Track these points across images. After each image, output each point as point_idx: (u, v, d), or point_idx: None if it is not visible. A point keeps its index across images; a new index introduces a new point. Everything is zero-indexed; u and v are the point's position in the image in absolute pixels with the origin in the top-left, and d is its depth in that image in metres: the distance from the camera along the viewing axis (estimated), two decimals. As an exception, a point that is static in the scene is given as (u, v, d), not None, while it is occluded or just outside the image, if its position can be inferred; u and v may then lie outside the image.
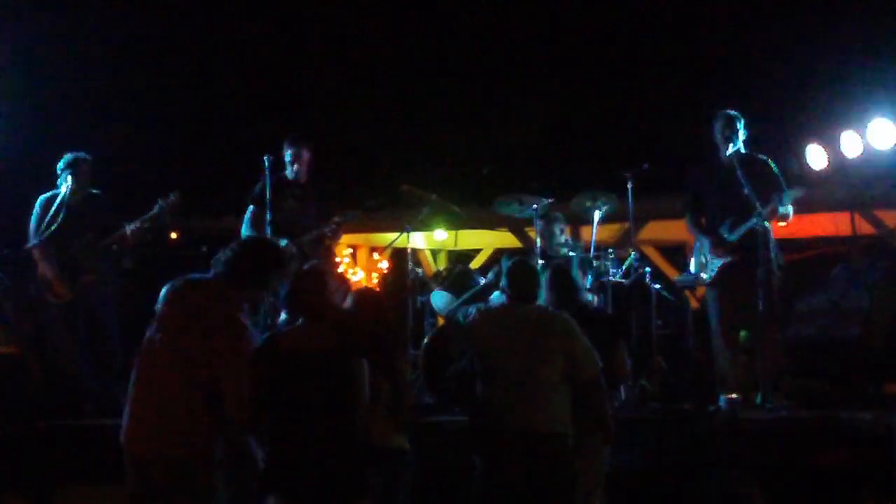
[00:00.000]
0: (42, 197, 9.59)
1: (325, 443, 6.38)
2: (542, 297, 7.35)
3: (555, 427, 6.79)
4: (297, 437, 6.41)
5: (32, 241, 9.49)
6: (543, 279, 7.44)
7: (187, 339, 6.15)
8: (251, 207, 9.87)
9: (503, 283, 7.18)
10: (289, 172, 9.88)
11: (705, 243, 9.20)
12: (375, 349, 6.73)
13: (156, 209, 9.47)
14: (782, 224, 9.02)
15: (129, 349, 7.29)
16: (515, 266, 7.23)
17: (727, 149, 9.09)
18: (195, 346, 6.13)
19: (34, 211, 9.55)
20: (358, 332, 6.70)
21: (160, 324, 6.27)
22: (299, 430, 6.41)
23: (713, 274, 9.11)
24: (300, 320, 6.65)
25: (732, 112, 9.23)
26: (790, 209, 8.88)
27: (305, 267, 7.08)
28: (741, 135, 9.15)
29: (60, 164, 9.60)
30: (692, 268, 9.40)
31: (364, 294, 7.44)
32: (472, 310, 7.21)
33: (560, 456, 6.78)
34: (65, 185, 9.54)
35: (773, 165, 9.17)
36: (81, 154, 9.67)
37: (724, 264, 9.01)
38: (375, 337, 6.83)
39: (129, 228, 9.45)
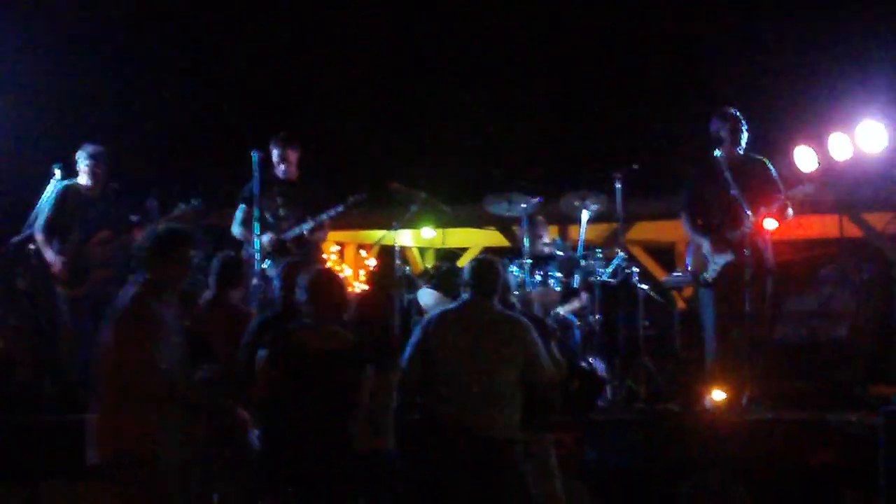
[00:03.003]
0: (56, 187, 9.57)
1: (325, 441, 6.42)
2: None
3: (509, 433, 6.82)
4: (298, 435, 6.44)
5: (38, 232, 9.49)
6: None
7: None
8: (242, 206, 9.87)
9: (465, 275, 7.20)
10: (277, 171, 9.91)
11: (704, 242, 9.15)
12: (384, 352, 6.82)
13: (178, 211, 9.47)
14: (772, 226, 9.02)
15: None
16: (477, 261, 7.32)
17: (723, 148, 9.10)
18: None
19: (44, 200, 9.53)
20: (370, 335, 6.81)
21: None
22: (302, 426, 6.45)
23: (714, 274, 9.08)
24: (309, 320, 6.70)
25: (733, 110, 9.21)
26: (790, 210, 8.90)
27: (322, 269, 7.16)
28: (743, 135, 9.12)
29: (77, 156, 9.61)
30: (689, 266, 9.37)
31: (367, 302, 7.48)
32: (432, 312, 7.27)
33: (513, 462, 6.81)
34: (79, 177, 9.57)
35: (770, 165, 9.17)
36: (98, 147, 9.68)
37: (726, 264, 8.98)
38: (385, 340, 6.94)
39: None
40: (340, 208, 9.79)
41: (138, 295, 6.20)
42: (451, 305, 7.31)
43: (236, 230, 9.93)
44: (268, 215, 9.76)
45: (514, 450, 6.81)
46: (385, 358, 7.08)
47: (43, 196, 9.53)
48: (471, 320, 6.98)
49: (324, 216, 9.74)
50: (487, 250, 13.00)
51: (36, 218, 9.52)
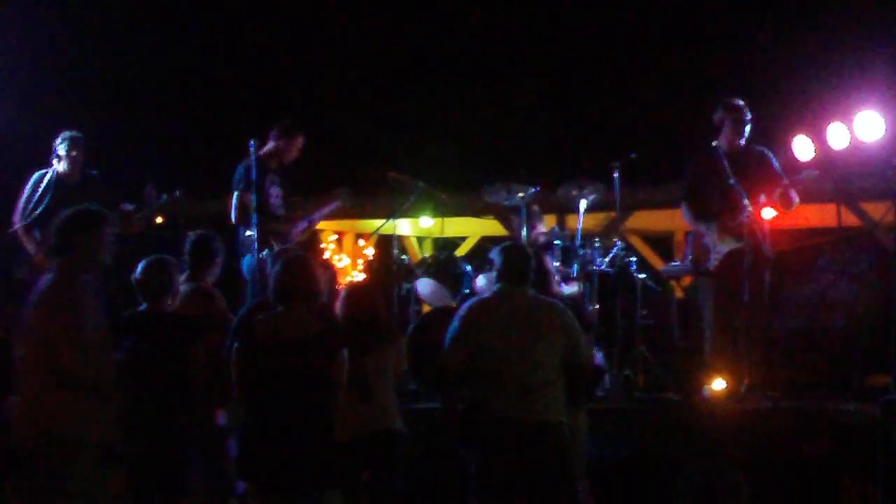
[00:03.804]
0: (35, 175, 9.54)
1: (301, 430, 6.42)
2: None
3: (556, 415, 6.83)
4: (274, 423, 6.45)
5: (19, 221, 9.44)
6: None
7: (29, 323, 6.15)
8: (237, 193, 9.79)
9: (497, 264, 7.12)
10: (281, 158, 9.90)
11: (709, 231, 9.15)
12: (358, 337, 6.82)
13: (159, 202, 9.44)
14: (770, 215, 9.03)
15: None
16: (510, 248, 7.25)
17: (724, 137, 9.11)
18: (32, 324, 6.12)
19: (25, 189, 9.50)
20: (357, 322, 6.81)
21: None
22: (276, 416, 6.45)
23: (716, 263, 9.09)
24: (280, 307, 6.70)
25: (738, 101, 9.22)
26: (796, 197, 8.92)
27: (292, 254, 7.16)
28: (747, 126, 9.13)
29: (55, 142, 9.56)
30: (689, 255, 9.38)
31: (355, 290, 7.45)
32: (467, 302, 7.25)
33: (562, 442, 6.83)
34: (59, 165, 9.52)
35: (771, 156, 9.18)
36: (75, 132, 9.62)
37: (729, 252, 8.99)
38: (372, 326, 6.93)
39: (137, 216, 9.41)
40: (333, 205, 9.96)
41: (57, 276, 6.15)
42: (485, 295, 7.30)
43: (235, 218, 9.85)
44: (265, 203, 9.76)
45: (565, 430, 6.84)
46: (374, 343, 7.07)
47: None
48: (509, 308, 6.94)
49: (325, 210, 9.95)
50: (485, 239, 13.02)
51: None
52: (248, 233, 9.32)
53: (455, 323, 7.06)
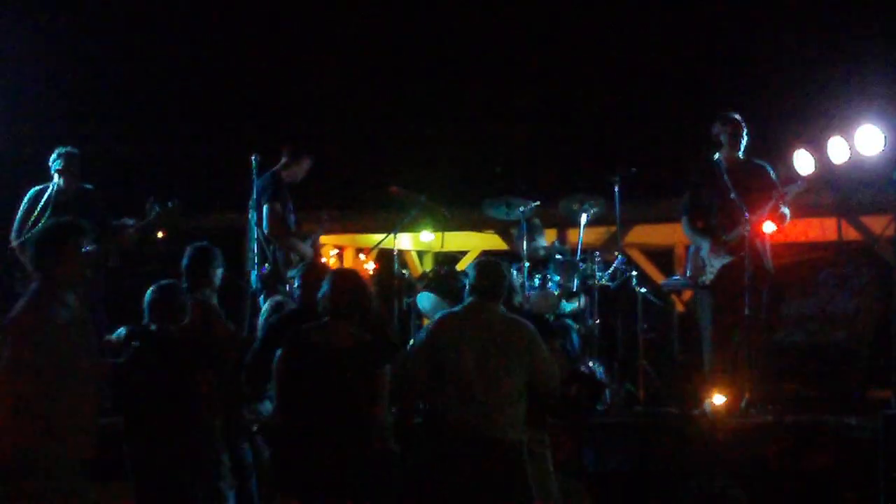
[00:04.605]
0: (31, 191, 9.55)
1: (342, 441, 6.41)
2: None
3: (516, 434, 6.80)
4: (315, 434, 6.43)
5: (16, 238, 9.44)
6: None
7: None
8: (267, 205, 9.73)
9: (470, 278, 7.10)
10: (294, 177, 9.92)
11: (704, 245, 9.18)
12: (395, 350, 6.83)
13: (153, 214, 9.43)
14: (771, 229, 9.03)
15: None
16: (483, 263, 7.22)
17: (723, 151, 9.14)
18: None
19: (21, 205, 9.51)
20: (386, 334, 6.80)
21: None
22: (318, 427, 6.43)
23: (711, 277, 9.11)
24: (327, 317, 6.69)
25: (734, 115, 9.26)
26: (786, 210, 8.94)
27: (343, 269, 7.17)
28: (743, 139, 9.18)
29: (50, 159, 9.57)
30: (688, 271, 9.40)
31: None
32: (437, 314, 7.25)
33: (521, 462, 6.79)
34: (54, 181, 9.52)
35: (770, 169, 9.20)
36: (70, 148, 9.63)
37: (723, 266, 9.01)
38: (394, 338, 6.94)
39: (130, 230, 9.40)
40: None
41: (29, 302, 5.91)
42: (455, 309, 7.26)
43: (271, 232, 9.80)
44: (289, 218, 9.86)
45: (522, 450, 6.80)
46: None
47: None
48: (477, 324, 6.90)
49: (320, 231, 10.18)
50: (486, 254, 13.00)
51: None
52: (290, 273, 9.31)
53: (421, 335, 7.08)
